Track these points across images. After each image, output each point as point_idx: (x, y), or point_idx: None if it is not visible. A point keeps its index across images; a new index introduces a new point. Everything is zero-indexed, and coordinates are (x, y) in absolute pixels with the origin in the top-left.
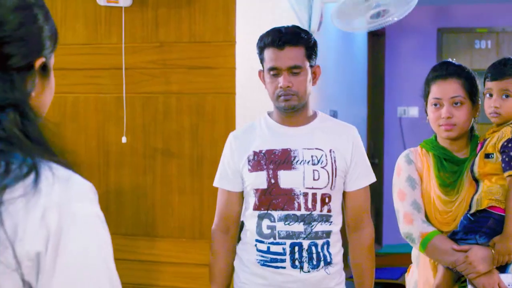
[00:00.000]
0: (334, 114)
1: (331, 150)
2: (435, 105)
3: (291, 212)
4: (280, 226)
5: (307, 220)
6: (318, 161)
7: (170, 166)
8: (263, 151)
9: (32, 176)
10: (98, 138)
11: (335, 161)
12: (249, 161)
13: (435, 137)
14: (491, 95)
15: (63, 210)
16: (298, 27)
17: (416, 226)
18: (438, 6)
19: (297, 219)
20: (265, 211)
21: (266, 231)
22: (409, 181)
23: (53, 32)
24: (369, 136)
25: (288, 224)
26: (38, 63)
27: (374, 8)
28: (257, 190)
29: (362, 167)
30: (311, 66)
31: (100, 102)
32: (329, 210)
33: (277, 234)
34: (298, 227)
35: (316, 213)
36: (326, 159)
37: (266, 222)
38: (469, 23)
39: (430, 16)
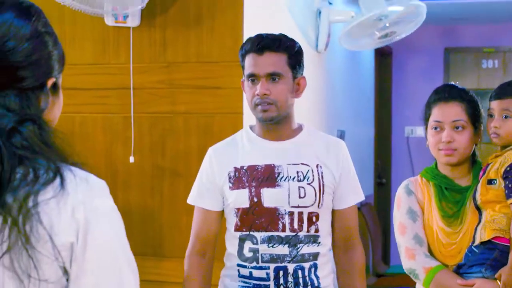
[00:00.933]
0: (342, 134)
1: (318, 165)
2: (435, 128)
3: (275, 233)
4: (263, 249)
5: (292, 242)
6: (304, 177)
7: (177, 186)
8: (245, 167)
9: (58, 179)
10: (105, 158)
11: (322, 177)
12: (230, 178)
13: (436, 164)
14: (492, 116)
15: (87, 206)
16: (283, 35)
17: (419, 261)
18: (445, 26)
19: (281, 240)
20: (247, 232)
21: (248, 254)
22: (410, 213)
23: (61, 55)
24: (377, 156)
25: (272, 246)
26: (50, 82)
27: (382, 29)
28: (238, 209)
29: (351, 184)
30: (294, 77)
31: (107, 122)
32: (316, 230)
33: (260, 258)
34: (283, 249)
35: (302, 234)
36: (313, 175)
37: (248, 244)
38: (476, 42)
39: (437, 36)
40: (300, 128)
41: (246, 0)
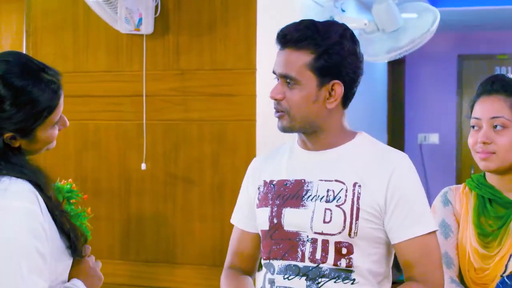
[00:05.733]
0: None
1: (355, 184)
2: (473, 127)
3: (292, 263)
4: (279, 281)
5: (311, 274)
6: (334, 198)
7: (191, 193)
8: (274, 182)
9: None
10: (119, 165)
11: (358, 198)
12: (259, 193)
13: (484, 173)
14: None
15: None
16: (329, 23)
17: None
18: (458, 33)
19: (298, 272)
20: (267, 260)
21: (267, 285)
22: (443, 227)
23: (20, 118)
24: None
25: (287, 278)
26: (6, 136)
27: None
28: (262, 231)
29: (408, 210)
30: (322, 84)
31: (121, 129)
32: (349, 265)
33: None
34: (299, 282)
35: (326, 266)
36: (346, 195)
37: (268, 275)
38: (490, 49)
39: (450, 43)
40: (351, 137)
41: (259, 7)
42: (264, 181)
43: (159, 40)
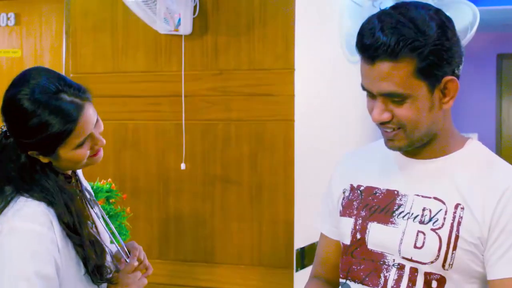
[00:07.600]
0: None
1: (457, 206)
2: None
3: None
4: None
5: None
6: (430, 219)
7: (229, 193)
8: (362, 188)
9: (2, 206)
10: (158, 165)
11: (459, 224)
12: (343, 198)
13: None
14: None
15: (4, 224)
16: (412, 22)
17: None
18: (497, 32)
19: None
20: (344, 280)
21: None
22: None
23: (44, 140)
24: None
25: None
26: (31, 153)
27: None
28: (343, 244)
29: None
30: (433, 86)
31: (160, 129)
32: None
33: None
34: None
35: None
36: (445, 218)
37: None
38: None
39: (489, 42)
40: (460, 145)
41: (297, 7)
42: (351, 185)
43: (198, 41)
